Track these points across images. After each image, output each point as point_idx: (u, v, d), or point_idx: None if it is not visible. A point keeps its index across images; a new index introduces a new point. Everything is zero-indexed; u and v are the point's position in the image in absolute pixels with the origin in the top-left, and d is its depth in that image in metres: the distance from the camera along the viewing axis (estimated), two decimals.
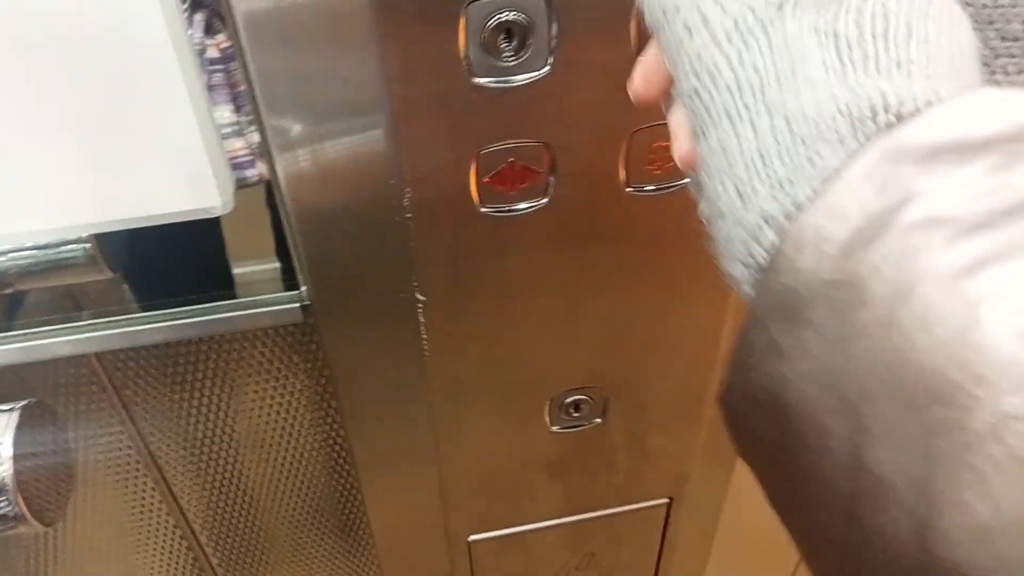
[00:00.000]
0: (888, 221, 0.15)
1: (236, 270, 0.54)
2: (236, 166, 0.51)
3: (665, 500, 0.61)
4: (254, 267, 0.54)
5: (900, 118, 0.16)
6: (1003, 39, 0.19)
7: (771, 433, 0.18)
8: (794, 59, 0.18)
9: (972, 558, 0.13)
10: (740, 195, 0.19)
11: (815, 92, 0.18)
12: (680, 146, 0.23)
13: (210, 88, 0.45)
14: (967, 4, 0.19)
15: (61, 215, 0.40)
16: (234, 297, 0.49)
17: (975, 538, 0.13)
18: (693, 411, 0.54)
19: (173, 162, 0.40)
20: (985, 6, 0.19)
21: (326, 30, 0.32)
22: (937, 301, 0.14)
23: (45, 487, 0.47)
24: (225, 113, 0.49)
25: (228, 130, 0.50)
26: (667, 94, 0.24)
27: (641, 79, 0.25)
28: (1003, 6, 0.19)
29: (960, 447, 0.13)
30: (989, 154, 0.15)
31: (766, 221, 0.18)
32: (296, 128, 0.36)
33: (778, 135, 0.18)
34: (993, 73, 0.20)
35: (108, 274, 0.52)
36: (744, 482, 0.67)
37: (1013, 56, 0.19)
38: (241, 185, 0.49)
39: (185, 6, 0.40)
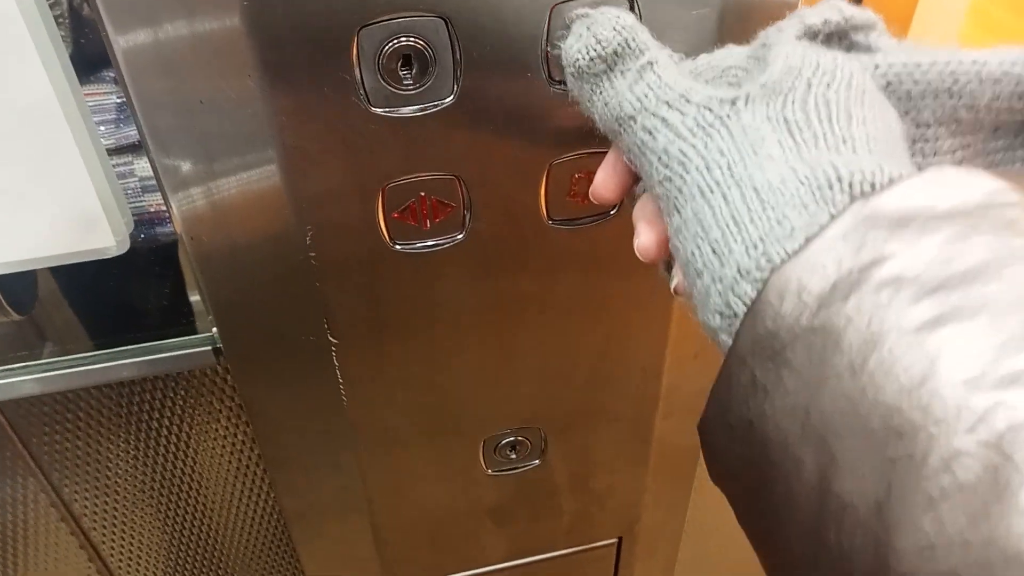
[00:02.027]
0: (861, 278, 0.17)
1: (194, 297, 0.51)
2: (156, 222, 0.48)
3: (614, 540, 0.59)
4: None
5: (873, 187, 0.19)
6: (917, 126, 0.23)
7: (746, 460, 0.20)
8: (754, 141, 0.21)
9: (921, 571, 0.15)
10: (717, 254, 0.21)
11: (776, 166, 0.20)
12: (641, 240, 0.26)
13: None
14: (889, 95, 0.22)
15: None
16: (193, 327, 0.46)
17: (924, 555, 0.15)
18: (638, 449, 0.52)
19: (64, 203, 0.37)
20: (900, 99, 0.22)
21: (207, 62, 0.30)
22: (901, 352, 0.16)
23: None
24: (146, 166, 0.47)
25: (151, 183, 0.48)
26: (628, 191, 0.27)
27: (601, 182, 0.27)
28: (914, 98, 0.22)
29: (916, 477, 0.16)
30: (950, 225, 0.17)
31: (742, 275, 0.20)
32: (187, 166, 0.33)
33: (749, 202, 0.20)
34: (913, 155, 0.23)
35: (13, 317, 0.49)
36: (703, 517, 0.65)
37: (927, 140, 0.23)
38: (160, 242, 0.46)
39: None
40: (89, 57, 0.44)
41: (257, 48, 0.29)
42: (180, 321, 0.46)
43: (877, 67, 0.22)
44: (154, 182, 0.40)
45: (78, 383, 0.43)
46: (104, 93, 0.47)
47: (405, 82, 0.31)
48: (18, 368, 0.43)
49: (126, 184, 0.48)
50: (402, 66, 0.31)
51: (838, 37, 0.24)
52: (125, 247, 0.38)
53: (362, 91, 0.31)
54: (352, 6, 0.29)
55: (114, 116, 0.48)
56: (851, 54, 0.23)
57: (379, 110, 0.32)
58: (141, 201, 0.48)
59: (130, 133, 0.48)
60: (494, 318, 0.40)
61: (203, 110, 0.31)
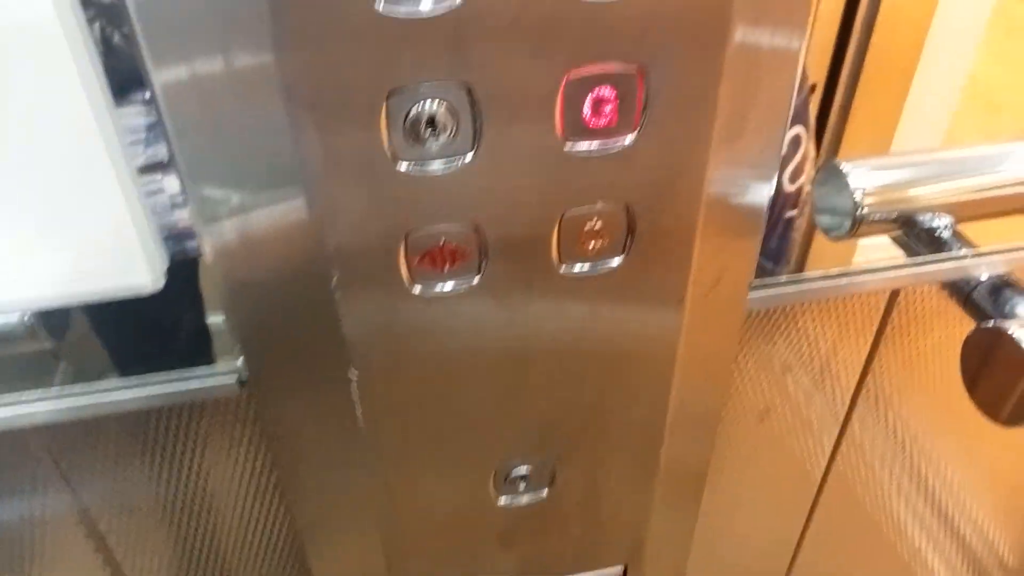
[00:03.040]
0: None
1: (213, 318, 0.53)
2: (184, 236, 0.50)
3: (620, 568, 0.60)
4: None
5: None
6: None
7: None
8: None
9: None
10: None
11: None
12: None
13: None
14: None
15: None
16: (210, 348, 0.48)
17: None
18: (643, 478, 0.54)
19: (100, 241, 0.39)
20: None
21: (243, 111, 0.32)
22: None
23: None
24: (176, 183, 0.49)
25: (180, 199, 0.50)
26: None
27: None
28: None
29: None
30: None
31: None
32: (220, 201, 0.35)
33: None
34: None
35: (47, 343, 0.52)
36: (706, 545, 0.66)
37: None
38: (188, 256, 0.48)
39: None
40: (119, 78, 0.46)
41: (293, 110, 0.31)
42: (206, 351, 0.48)
43: None
44: (182, 198, 0.42)
45: (109, 411, 0.45)
46: (134, 113, 0.49)
47: (428, 141, 0.33)
48: (53, 397, 0.45)
49: (157, 200, 0.50)
50: (426, 127, 0.33)
51: None
52: (160, 284, 0.41)
53: (388, 148, 0.33)
54: (383, 73, 0.31)
55: (144, 136, 0.50)
56: None
57: (403, 166, 0.34)
58: (171, 217, 0.50)
59: (160, 151, 0.50)
60: (507, 355, 0.42)
61: (239, 154, 0.33)
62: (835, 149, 1.33)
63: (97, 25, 0.54)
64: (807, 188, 1.35)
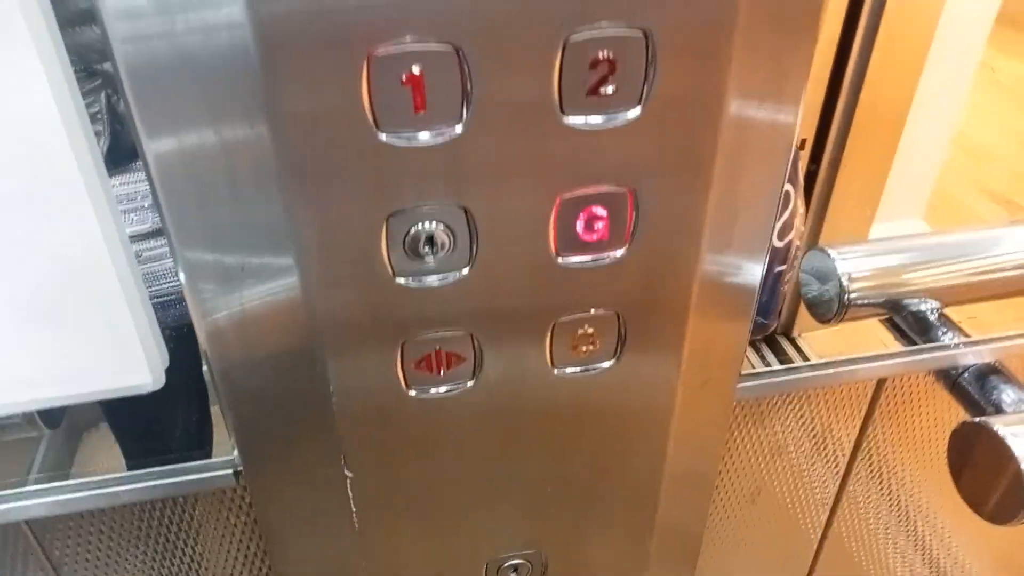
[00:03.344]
0: None
1: None
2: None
3: None
4: None
5: None
6: None
7: None
8: None
9: None
10: None
11: None
12: None
13: None
14: None
15: None
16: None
17: None
18: (633, 567, 0.54)
19: (101, 341, 0.40)
20: None
21: (247, 228, 0.33)
22: None
23: None
24: None
25: None
26: None
27: None
28: None
29: None
30: None
31: None
32: (221, 302, 0.36)
33: None
34: None
35: (44, 431, 0.52)
36: None
37: None
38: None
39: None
40: (127, 143, 0.47)
41: (295, 225, 0.32)
42: (203, 442, 0.49)
43: None
44: None
45: (104, 503, 0.46)
46: (138, 180, 0.50)
47: (426, 258, 0.34)
48: (45, 489, 0.46)
49: (161, 266, 0.51)
50: (425, 243, 0.34)
51: None
52: (161, 383, 0.41)
53: (388, 264, 0.34)
54: (384, 196, 0.32)
55: (149, 202, 0.50)
56: None
57: (402, 279, 0.35)
58: (176, 283, 0.50)
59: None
60: (500, 454, 0.43)
61: (243, 260, 0.34)
62: (825, 204, 1.34)
63: (103, 94, 0.55)
64: (796, 243, 1.37)
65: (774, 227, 0.91)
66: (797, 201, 1.28)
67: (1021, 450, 0.44)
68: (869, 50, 1.15)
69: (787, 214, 1.29)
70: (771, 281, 1.33)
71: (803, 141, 1.30)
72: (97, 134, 0.60)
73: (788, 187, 1.26)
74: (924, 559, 0.85)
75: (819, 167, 1.29)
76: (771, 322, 1.41)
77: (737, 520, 0.73)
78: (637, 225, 0.36)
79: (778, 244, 1.30)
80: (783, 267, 1.30)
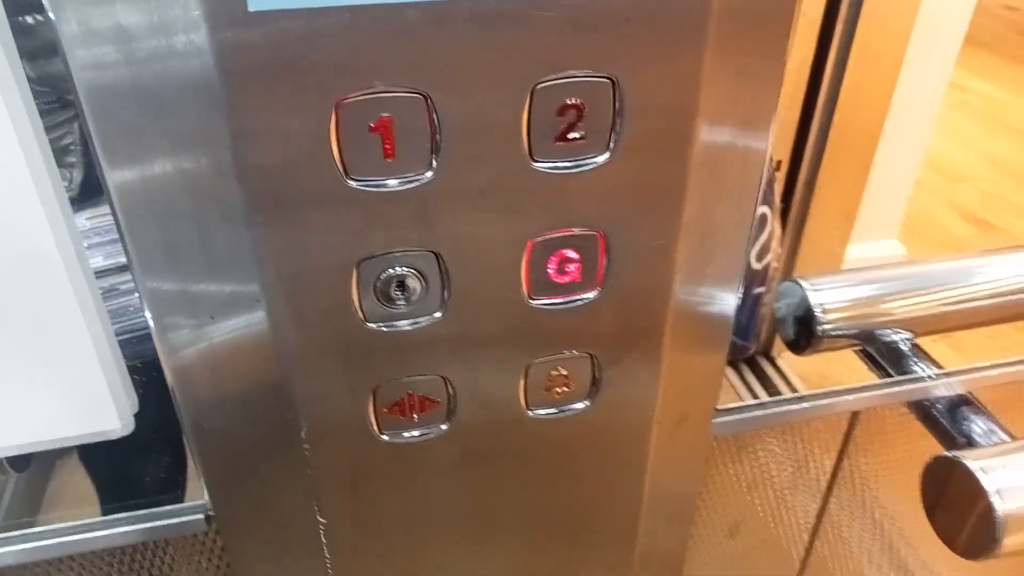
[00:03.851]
0: None
1: None
2: None
3: None
4: None
5: None
6: None
7: None
8: None
9: None
10: None
11: None
12: None
13: None
14: None
15: None
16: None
17: None
18: None
19: (70, 387, 0.40)
20: None
21: (214, 272, 0.33)
22: None
23: None
24: None
25: None
26: None
27: None
28: None
29: None
30: None
31: None
32: (189, 346, 0.35)
33: None
34: None
35: (11, 474, 0.51)
36: None
37: None
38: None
39: None
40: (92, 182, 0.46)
41: (264, 271, 0.32)
42: (174, 487, 0.48)
43: None
44: None
45: (73, 550, 0.45)
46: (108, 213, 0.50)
47: (397, 302, 0.34)
48: (12, 537, 0.45)
49: (133, 300, 0.50)
50: (396, 288, 0.34)
51: None
52: (130, 428, 0.41)
53: (359, 309, 0.34)
54: (354, 243, 0.32)
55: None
56: None
57: (373, 325, 0.35)
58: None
59: None
60: (475, 498, 0.43)
61: (210, 307, 0.34)
62: (801, 225, 1.35)
63: (76, 125, 0.55)
64: (774, 265, 1.37)
65: (751, 250, 0.92)
66: (774, 223, 1.29)
67: (991, 485, 0.44)
68: (841, 73, 1.17)
69: (764, 236, 1.30)
70: (750, 303, 1.34)
71: (778, 163, 1.32)
72: (70, 166, 0.59)
73: (765, 209, 1.28)
74: None
75: (794, 189, 1.31)
76: (751, 344, 1.41)
77: (717, 554, 0.73)
78: (609, 267, 0.36)
79: (756, 266, 1.31)
80: (762, 289, 1.31)
